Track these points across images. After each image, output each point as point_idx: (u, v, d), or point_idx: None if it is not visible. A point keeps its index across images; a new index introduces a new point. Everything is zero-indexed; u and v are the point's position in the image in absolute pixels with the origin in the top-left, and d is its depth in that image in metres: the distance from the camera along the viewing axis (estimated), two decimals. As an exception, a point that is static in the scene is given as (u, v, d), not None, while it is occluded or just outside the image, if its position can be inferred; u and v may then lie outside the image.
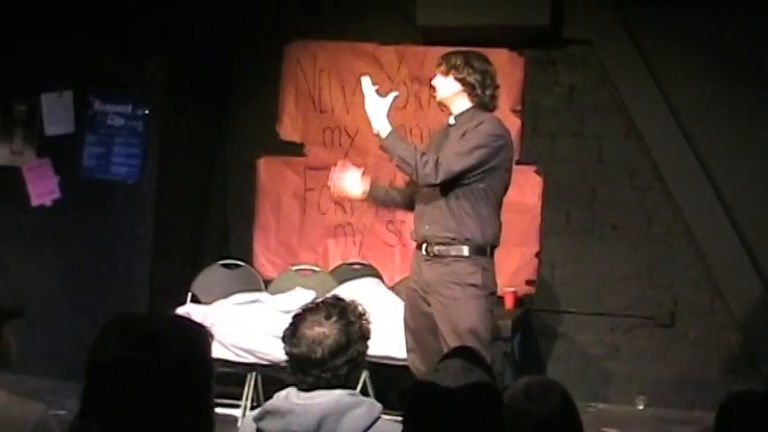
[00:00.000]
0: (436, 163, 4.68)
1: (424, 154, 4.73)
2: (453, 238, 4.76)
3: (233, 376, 5.96)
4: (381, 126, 4.82)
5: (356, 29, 7.42)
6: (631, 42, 6.94)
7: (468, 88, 4.88)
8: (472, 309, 4.70)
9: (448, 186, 4.76)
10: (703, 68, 6.89)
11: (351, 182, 5.13)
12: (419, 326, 4.89)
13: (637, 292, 7.04)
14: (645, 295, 7.03)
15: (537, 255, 7.15)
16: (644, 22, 6.97)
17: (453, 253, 4.76)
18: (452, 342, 4.53)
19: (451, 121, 4.96)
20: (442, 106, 5.04)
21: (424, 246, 4.84)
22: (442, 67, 4.92)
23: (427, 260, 4.83)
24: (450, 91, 4.90)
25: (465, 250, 4.75)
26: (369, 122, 7.22)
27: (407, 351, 4.99)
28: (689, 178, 6.85)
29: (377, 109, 4.84)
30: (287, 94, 7.55)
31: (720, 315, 6.89)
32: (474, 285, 4.72)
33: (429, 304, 4.81)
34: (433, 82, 4.98)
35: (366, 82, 4.91)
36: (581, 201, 7.13)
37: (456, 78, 4.88)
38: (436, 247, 4.79)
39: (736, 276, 6.80)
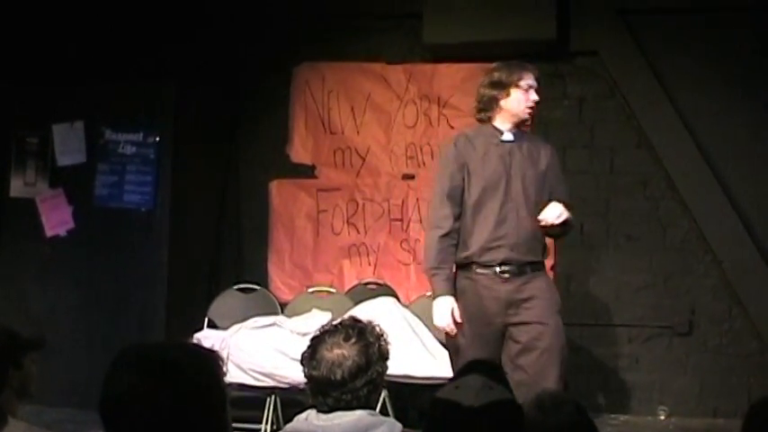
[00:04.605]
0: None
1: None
2: (536, 255, 4.76)
3: (252, 400, 5.96)
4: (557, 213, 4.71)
5: (363, 49, 7.42)
6: (639, 52, 6.93)
7: None
8: (560, 323, 4.70)
9: (532, 209, 4.73)
10: (711, 75, 6.88)
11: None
12: (477, 354, 4.63)
13: (654, 301, 7.01)
14: (662, 305, 7.00)
15: (552, 268, 7.12)
16: (650, 31, 6.96)
17: (532, 269, 4.72)
18: (547, 359, 4.48)
19: (509, 137, 4.80)
20: (519, 125, 4.83)
21: (498, 267, 4.68)
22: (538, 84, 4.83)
23: (506, 279, 4.68)
24: None
25: (540, 265, 4.78)
26: (379, 142, 7.33)
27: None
28: (702, 186, 6.83)
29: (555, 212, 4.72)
30: (296, 116, 7.55)
31: (739, 322, 6.86)
32: (557, 302, 4.75)
33: (504, 326, 4.66)
34: (537, 98, 4.81)
35: None
36: (594, 212, 7.10)
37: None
38: (514, 267, 4.68)
39: (752, 282, 6.77)
